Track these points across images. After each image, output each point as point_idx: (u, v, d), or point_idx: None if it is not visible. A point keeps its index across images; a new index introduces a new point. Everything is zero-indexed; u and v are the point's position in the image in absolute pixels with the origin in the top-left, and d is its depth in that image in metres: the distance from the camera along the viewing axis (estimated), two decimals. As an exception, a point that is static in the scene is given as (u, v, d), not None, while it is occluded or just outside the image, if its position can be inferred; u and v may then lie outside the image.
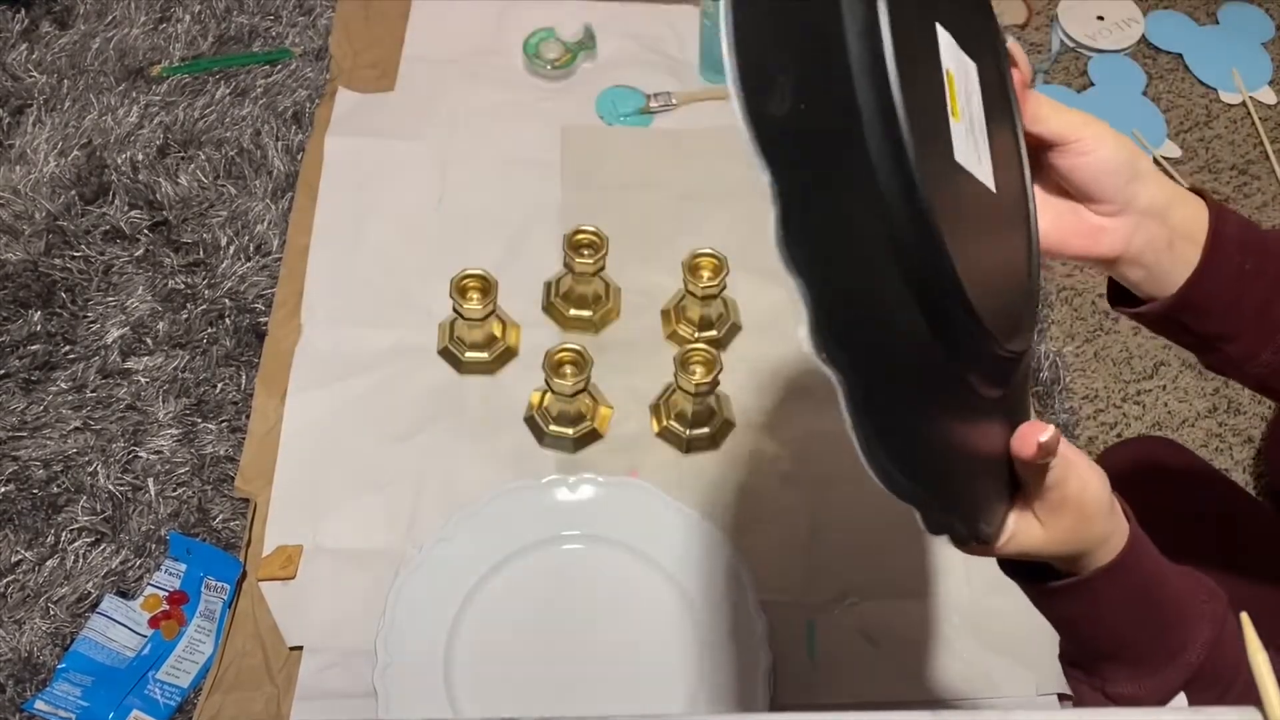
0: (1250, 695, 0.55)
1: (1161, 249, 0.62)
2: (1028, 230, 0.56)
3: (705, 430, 1.07)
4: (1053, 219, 0.61)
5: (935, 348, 0.43)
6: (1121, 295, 0.66)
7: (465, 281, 1.07)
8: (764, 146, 0.38)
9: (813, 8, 0.40)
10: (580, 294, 1.13)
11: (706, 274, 1.08)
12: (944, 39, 0.47)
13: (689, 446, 1.07)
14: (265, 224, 1.20)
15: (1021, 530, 0.56)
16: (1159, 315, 0.64)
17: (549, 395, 1.06)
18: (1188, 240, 0.62)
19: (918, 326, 0.43)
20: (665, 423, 1.08)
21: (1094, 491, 0.57)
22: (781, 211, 0.38)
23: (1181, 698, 0.59)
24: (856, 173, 0.40)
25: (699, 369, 1.03)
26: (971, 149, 0.48)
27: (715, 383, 1.03)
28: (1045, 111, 0.59)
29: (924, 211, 0.40)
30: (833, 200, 0.40)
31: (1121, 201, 0.60)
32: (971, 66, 0.50)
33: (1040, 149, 0.60)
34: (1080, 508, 0.56)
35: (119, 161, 1.23)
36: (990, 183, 0.49)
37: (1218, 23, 1.46)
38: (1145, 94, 1.39)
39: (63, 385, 1.09)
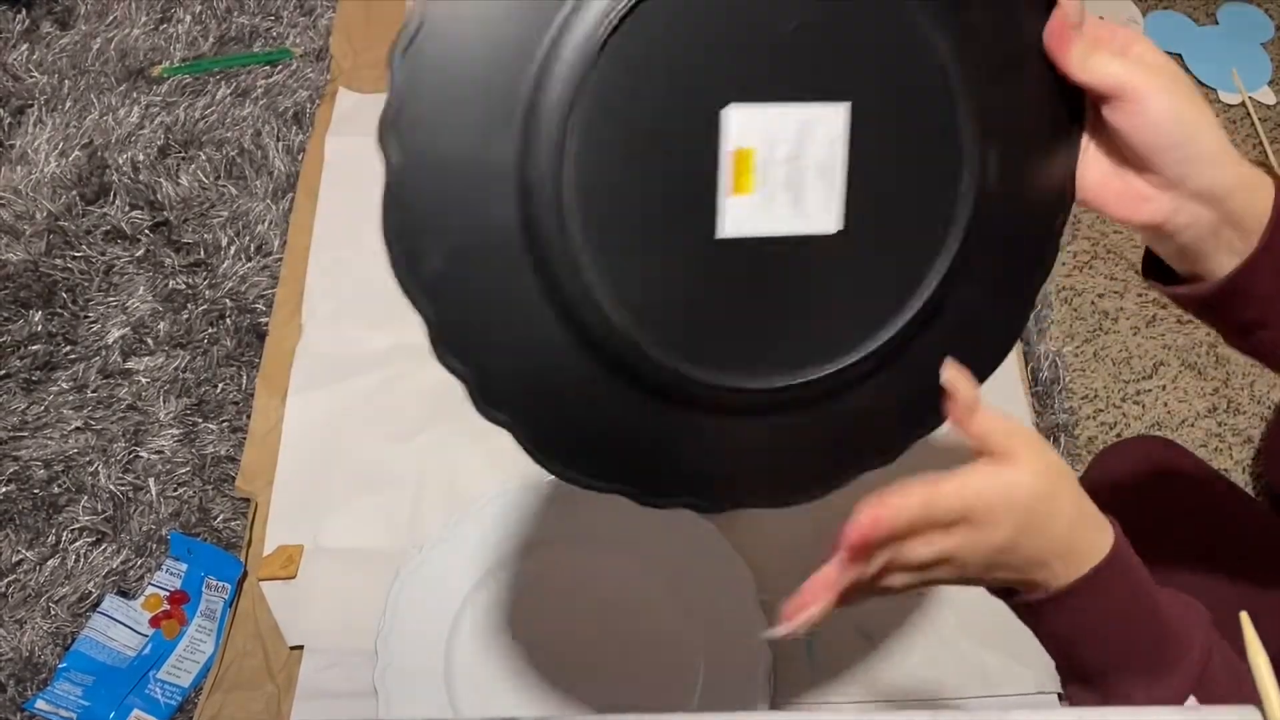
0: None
1: (1204, 233, 0.57)
2: (900, 253, 0.55)
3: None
4: (1096, 179, 0.58)
5: (612, 389, 0.54)
6: (1156, 267, 0.62)
7: (465, 282, 1.07)
8: (419, 292, 0.50)
9: (482, 175, 0.49)
10: (580, 294, 1.13)
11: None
12: (742, 118, 0.50)
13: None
14: (266, 224, 1.20)
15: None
16: (1197, 300, 0.60)
17: (549, 395, 1.06)
18: (1237, 229, 0.57)
19: (589, 375, 0.53)
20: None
21: (1024, 493, 0.54)
22: (432, 333, 0.51)
23: (1192, 701, 0.57)
24: (514, 282, 0.50)
25: None
26: (777, 210, 0.52)
27: None
28: (1095, 61, 0.54)
29: (605, 318, 0.51)
30: (496, 308, 0.51)
31: (1172, 177, 0.55)
32: (834, 111, 0.52)
33: (1096, 100, 0.55)
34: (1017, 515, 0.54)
35: (120, 162, 1.23)
36: (824, 225, 0.53)
37: (1217, 23, 1.46)
38: (1145, 94, 1.39)
39: (64, 385, 1.09)
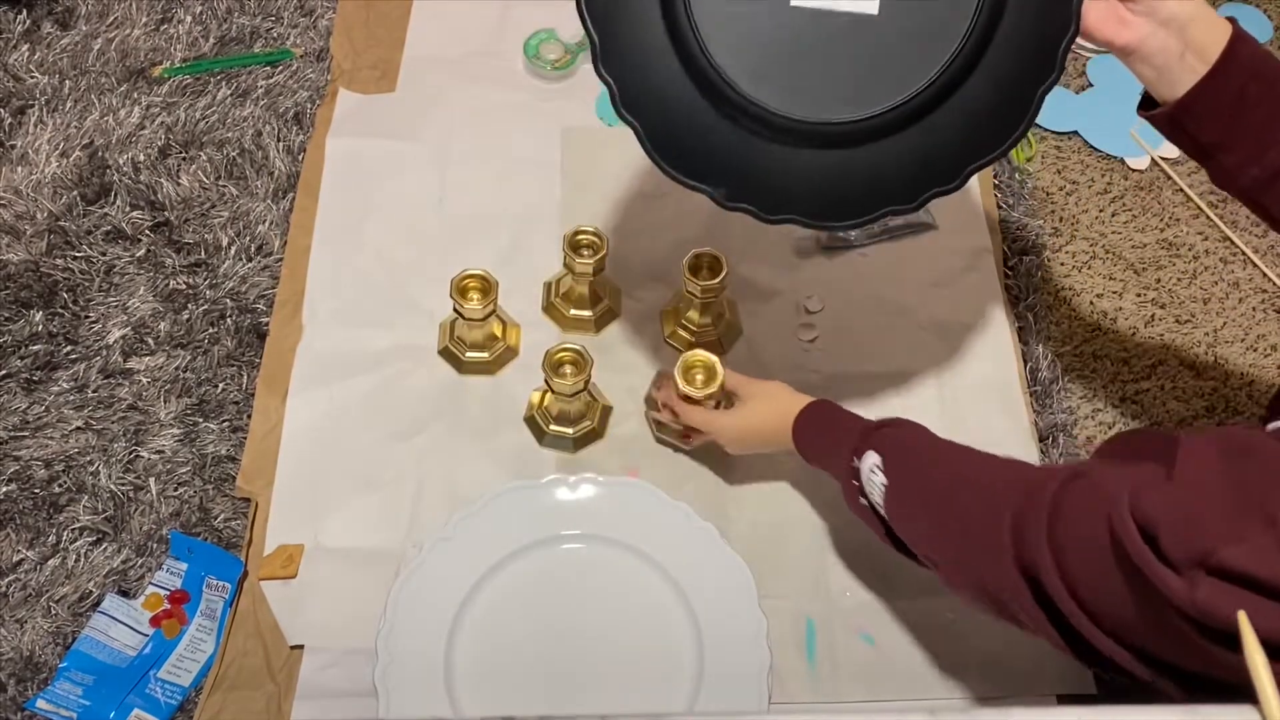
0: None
1: (1172, 58, 0.75)
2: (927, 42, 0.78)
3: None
4: (1094, 5, 0.75)
5: (707, 110, 0.80)
6: (1148, 107, 0.80)
7: (465, 281, 1.07)
8: (590, 21, 0.77)
9: None
10: (580, 294, 1.13)
11: (706, 274, 1.08)
12: None
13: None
14: (266, 224, 1.20)
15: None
16: (1165, 116, 0.78)
17: (549, 395, 1.06)
18: (1198, 56, 0.74)
19: (693, 97, 0.80)
20: (665, 425, 1.08)
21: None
22: (594, 52, 0.78)
23: (874, 455, 0.83)
24: (647, 22, 0.78)
25: (700, 376, 1.01)
26: None
27: (719, 393, 1.01)
28: None
29: (706, 53, 0.78)
30: (634, 40, 0.79)
31: (1146, 6, 0.75)
32: None
33: None
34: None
35: (120, 162, 1.23)
36: (866, 8, 0.78)
37: (1217, 24, 1.47)
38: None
39: (64, 385, 1.09)
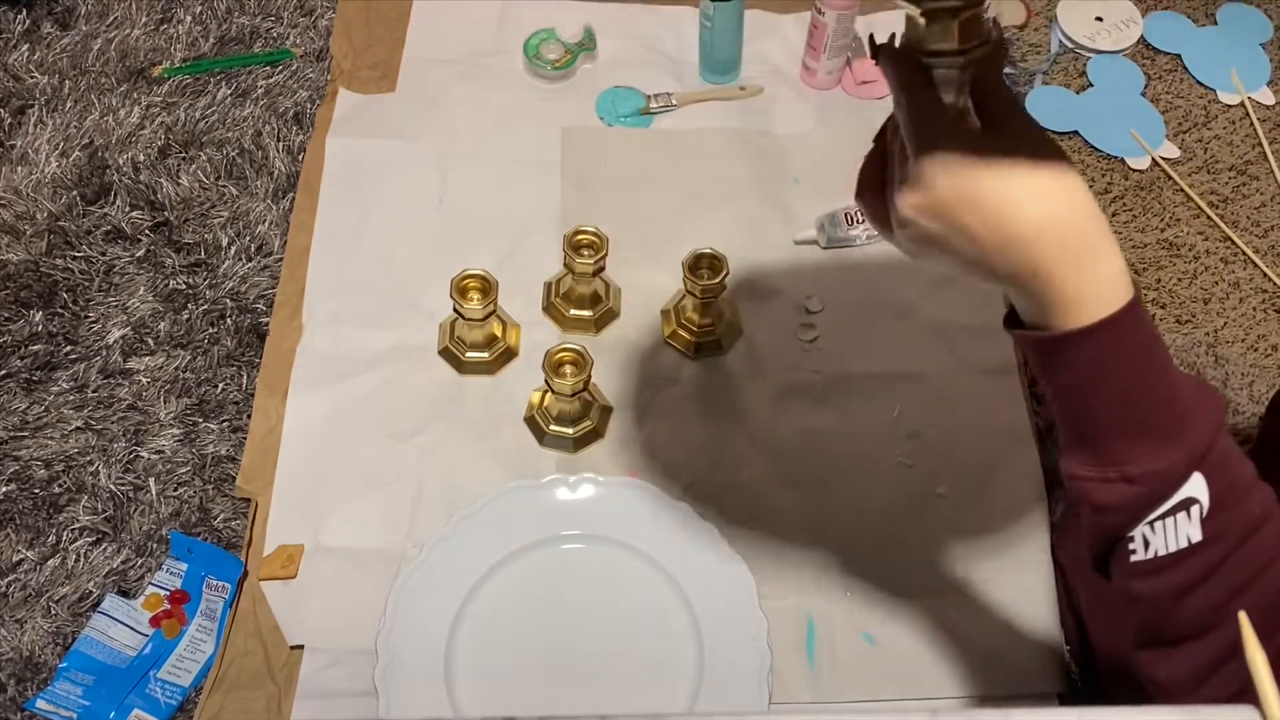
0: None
1: None
2: None
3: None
4: None
5: None
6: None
7: (465, 281, 1.07)
8: None
9: None
10: (580, 294, 1.13)
11: (706, 274, 1.08)
12: None
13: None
14: (266, 224, 1.20)
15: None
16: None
17: (549, 395, 1.06)
18: None
19: None
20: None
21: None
22: None
23: (1201, 481, 0.56)
24: None
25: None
26: None
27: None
28: None
29: None
30: None
31: None
32: None
33: None
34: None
35: (120, 162, 1.23)
36: None
37: (1216, 23, 1.47)
38: (1144, 95, 1.39)
39: (64, 385, 1.09)
